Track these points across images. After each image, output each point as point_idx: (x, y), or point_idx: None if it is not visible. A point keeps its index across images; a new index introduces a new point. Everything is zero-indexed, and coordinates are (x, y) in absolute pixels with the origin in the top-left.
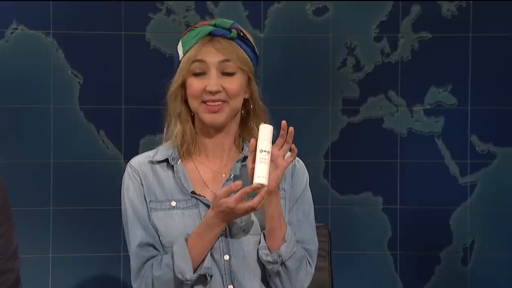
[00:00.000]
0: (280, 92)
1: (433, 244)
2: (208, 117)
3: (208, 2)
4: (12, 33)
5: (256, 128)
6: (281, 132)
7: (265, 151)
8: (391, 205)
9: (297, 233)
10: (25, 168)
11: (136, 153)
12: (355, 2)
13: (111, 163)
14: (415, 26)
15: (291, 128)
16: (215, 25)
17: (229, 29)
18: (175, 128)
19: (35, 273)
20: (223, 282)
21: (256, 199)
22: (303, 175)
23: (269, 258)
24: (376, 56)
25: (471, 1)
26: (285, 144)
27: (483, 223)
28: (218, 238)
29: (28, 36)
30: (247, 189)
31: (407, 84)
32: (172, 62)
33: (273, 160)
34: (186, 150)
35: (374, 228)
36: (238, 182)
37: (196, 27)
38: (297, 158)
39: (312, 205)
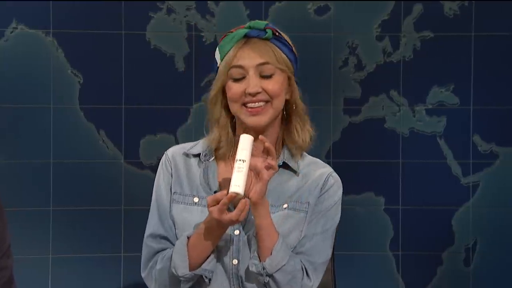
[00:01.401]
0: None
1: (435, 244)
2: (250, 120)
3: (209, 2)
4: (11, 32)
5: (299, 133)
6: (264, 145)
7: (241, 160)
8: (393, 205)
9: (307, 244)
10: (25, 168)
11: (137, 153)
12: (356, 1)
13: (111, 163)
14: (417, 25)
15: (266, 144)
16: (249, 27)
17: (264, 30)
18: (212, 134)
19: (35, 274)
20: (230, 286)
21: (234, 212)
22: (336, 192)
23: (254, 269)
24: (378, 56)
25: (473, 1)
26: (268, 158)
27: (485, 223)
28: (230, 242)
29: (28, 36)
30: (224, 199)
31: (409, 83)
32: (172, 62)
33: (257, 173)
34: (222, 153)
35: (376, 228)
36: (223, 192)
37: (231, 32)
38: (333, 173)
39: (336, 222)
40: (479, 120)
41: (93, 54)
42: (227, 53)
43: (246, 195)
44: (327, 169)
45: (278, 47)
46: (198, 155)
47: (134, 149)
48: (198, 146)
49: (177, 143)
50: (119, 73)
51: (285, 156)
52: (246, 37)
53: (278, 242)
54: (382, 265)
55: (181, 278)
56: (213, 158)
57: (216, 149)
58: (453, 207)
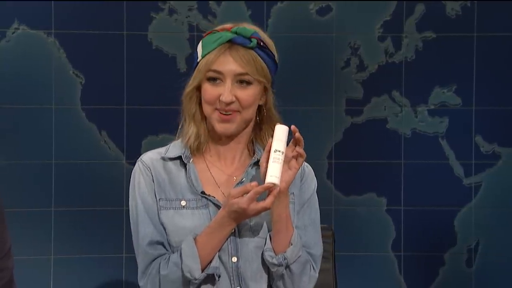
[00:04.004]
0: (283, 92)
1: (437, 245)
2: (219, 126)
3: (210, 2)
4: (13, 33)
5: (267, 135)
6: (295, 135)
7: (279, 151)
8: (395, 206)
9: (303, 237)
10: (27, 168)
11: (138, 153)
12: (358, 1)
13: (113, 164)
14: (419, 25)
15: (298, 134)
16: (236, 32)
17: (249, 39)
18: (189, 128)
19: (37, 274)
20: (230, 284)
21: (269, 199)
22: (312, 180)
23: (274, 261)
24: (380, 56)
25: (475, 1)
26: (297, 146)
27: (487, 224)
28: (227, 239)
29: (29, 36)
30: (258, 188)
31: (411, 84)
32: (174, 63)
33: (286, 161)
34: (197, 150)
35: (378, 229)
36: (254, 183)
37: (218, 31)
38: (306, 163)
39: (318, 210)
40: (481, 121)
41: (94, 54)
42: (208, 53)
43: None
44: None
45: (260, 57)
46: (176, 158)
47: (136, 149)
48: (172, 149)
49: None
50: (120, 74)
51: (259, 154)
52: (231, 42)
53: (295, 233)
54: (384, 266)
55: (195, 281)
56: (191, 160)
57: (193, 148)
58: (455, 207)
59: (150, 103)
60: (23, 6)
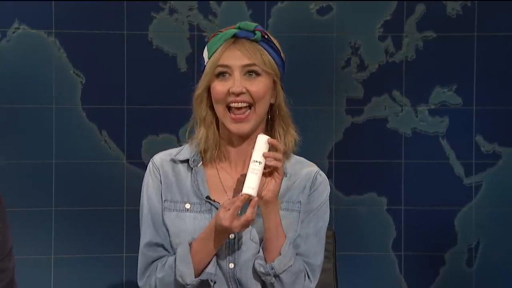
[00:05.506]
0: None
1: (437, 245)
2: (234, 127)
3: (211, 2)
4: (14, 32)
5: (279, 134)
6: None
7: (257, 161)
8: (396, 205)
9: (302, 246)
10: (27, 168)
11: (139, 153)
12: (359, 1)
13: (113, 163)
14: (420, 25)
15: (271, 140)
16: (239, 28)
17: (253, 31)
18: (200, 132)
19: (37, 274)
20: None
21: (248, 211)
22: (324, 190)
23: (262, 269)
24: (380, 56)
25: (476, 1)
26: (272, 161)
27: (488, 223)
28: (225, 245)
29: (30, 36)
30: (238, 203)
31: (411, 84)
32: (174, 62)
33: (270, 171)
34: (209, 155)
35: (378, 228)
36: (238, 197)
37: (221, 31)
38: (320, 172)
39: (327, 222)
40: (482, 120)
41: (95, 54)
42: (214, 52)
43: (258, 195)
44: (313, 168)
45: (266, 50)
46: (185, 161)
47: (136, 149)
48: (184, 151)
49: (179, 143)
50: (121, 73)
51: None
52: (235, 37)
53: (286, 242)
54: (385, 266)
55: (188, 286)
56: (201, 163)
57: (203, 153)
58: (456, 207)
59: (150, 103)
60: (23, 6)
